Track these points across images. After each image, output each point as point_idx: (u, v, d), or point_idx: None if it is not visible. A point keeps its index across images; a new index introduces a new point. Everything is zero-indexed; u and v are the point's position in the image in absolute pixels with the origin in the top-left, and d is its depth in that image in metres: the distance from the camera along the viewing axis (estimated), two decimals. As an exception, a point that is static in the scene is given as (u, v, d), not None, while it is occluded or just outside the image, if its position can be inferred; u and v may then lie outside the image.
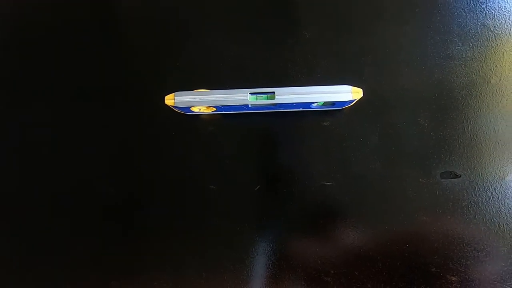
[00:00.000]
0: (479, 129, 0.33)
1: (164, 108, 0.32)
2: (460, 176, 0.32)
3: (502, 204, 0.32)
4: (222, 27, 0.37)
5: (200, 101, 0.31)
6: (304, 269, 0.32)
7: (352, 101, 0.31)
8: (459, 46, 0.34)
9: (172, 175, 0.35)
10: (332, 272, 0.32)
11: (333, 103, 0.32)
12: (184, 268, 0.33)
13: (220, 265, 0.33)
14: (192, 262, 0.33)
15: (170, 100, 0.31)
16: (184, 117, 0.35)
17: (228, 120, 0.35)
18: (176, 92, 0.31)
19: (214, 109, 0.33)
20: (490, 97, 0.34)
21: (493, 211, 0.32)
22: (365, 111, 0.34)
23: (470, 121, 0.33)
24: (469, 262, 0.31)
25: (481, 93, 0.34)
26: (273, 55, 0.36)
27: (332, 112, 0.34)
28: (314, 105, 0.33)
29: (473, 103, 0.34)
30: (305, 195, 0.33)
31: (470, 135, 0.33)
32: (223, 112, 0.35)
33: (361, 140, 0.34)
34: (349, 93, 0.30)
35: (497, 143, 0.33)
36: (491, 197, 0.32)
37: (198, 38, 0.36)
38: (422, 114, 0.34)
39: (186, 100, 0.31)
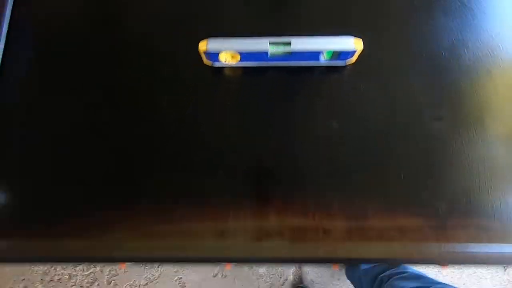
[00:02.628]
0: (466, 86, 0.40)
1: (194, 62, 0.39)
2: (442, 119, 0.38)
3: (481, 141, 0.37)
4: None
5: (229, 46, 0.37)
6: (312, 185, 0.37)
7: (353, 52, 0.38)
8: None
9: (197, 120, 0.40)
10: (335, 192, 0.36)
11: (338, 55, 0.38)
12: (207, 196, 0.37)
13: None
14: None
15: (203, 45, 0.37)
16: (211, 70, 0.41)
17: (249, 74, 0.41)
18: (209, 38, 0.37)
19: (238, 59, 0.39)
20: (473, 61, 0.40)
21: (470, 147, 0.37)
22: (365, 68, 0.40)
23: (456, 80, 0.40)
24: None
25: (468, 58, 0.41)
26: (287, 15, 0.43)
27: (337, 68, 0.41)
28: (323, 58, 0.39)
29: (458, 65, 0.40)
30: (314, 132, 0.38)
31: (456, 89, 0.40)
32: (245, 65, 0.41)
33: (362, 91, 0.40)
34: (351, 42, 0.36)
35: (475, 93, 0.39)
36: (472, 136, 0.38)
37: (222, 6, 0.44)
38: (414, 72, 0.40)
39: (217, 44, 0.37)
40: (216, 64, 0.41)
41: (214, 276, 1.17)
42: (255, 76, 0.41)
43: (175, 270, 1.18)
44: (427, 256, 0.36)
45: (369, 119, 0.39)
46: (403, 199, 0.36)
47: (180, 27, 0.43)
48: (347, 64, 0.40)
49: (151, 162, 0.38)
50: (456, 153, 0.37)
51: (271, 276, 1.17)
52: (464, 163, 0.37)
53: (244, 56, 0.39)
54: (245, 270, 1.17)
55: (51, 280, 1.18)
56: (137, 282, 1.17)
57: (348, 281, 1.14)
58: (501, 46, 0.41)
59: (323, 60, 0.39)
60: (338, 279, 1.15)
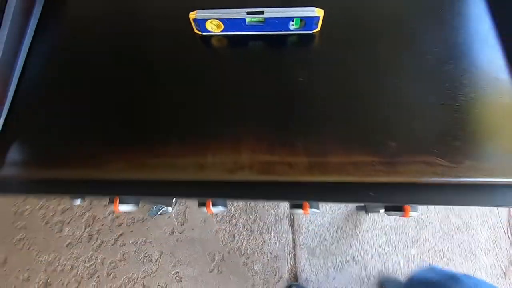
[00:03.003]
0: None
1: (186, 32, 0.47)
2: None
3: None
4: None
5: (214, 15, 0.45)
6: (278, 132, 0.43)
7: (317, 19, 0.45)
8: None
9: (187, 79, 0.47)
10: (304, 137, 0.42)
11: (305, 24, 0.46)
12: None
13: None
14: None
15: (193, 14, 0.46)
16: (200, 37, 0.49)
17: (231, 40, 0.49)
18: (198, 10, 0.46)
19: (222, 27, 0.47)
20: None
21: (415, 94, 0.43)
22: (329, 35, 0.48)
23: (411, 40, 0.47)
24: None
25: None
26: None
27: (305, 36, 0.48)
28: (292, 27, 0.47)
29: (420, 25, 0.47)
30: (285, 85, 0.45)
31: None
32: (228, 34, 0.49)
33: (326, 53, 0.47)
34: (314, 10, 0.44)
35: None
36: (419, 88, 0.43)
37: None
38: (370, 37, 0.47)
39: (204, 14, 0.45)
40: (204, 33, 0.49)
41: (210, 272, 1.19)
42: (236, 42, 0.49)
43: (172, 264, 1.21)
44: (379, 190, 0.41)
45: (331, 75, 0.45)
46: (358, 139, 0.42)
47: (177, 5, 0.52)
48: (313, 32, 0.48)
49: (146, 112, 0.46)
50: (405, 98, 0.43)
51: (266, 273, 1.18)
52: (411, 107, 0.43)
53: (227, 25, 0.47)
54: (240, 266, 1.18)
55: (53, 271, 1.22)
56: (135, 275, 1.20)
57: (343, 281, 1.14)
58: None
59: (293, 28, 0.47)
60: (334, 278, 1.15)
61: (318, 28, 0.47)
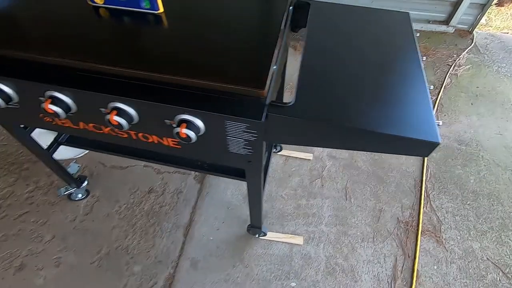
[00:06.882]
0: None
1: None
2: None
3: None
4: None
5: (96, -11, 0.72)
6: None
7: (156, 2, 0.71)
8: None
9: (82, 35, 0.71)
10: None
11: (152, 5, 0.71)
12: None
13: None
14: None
15: (85, -12, 0.73)
16: (91, 6, 0.75)
17: (110, 12, 0.75)
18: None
19: (104, 1, 0.74)
20: None
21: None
22: (171, 14, 0.73)
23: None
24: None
25: None
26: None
27: (153, 15, 0.73)
28: (144, 6, 0.72)
29: None
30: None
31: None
32: (107, 6, 0.74)
33: (167, 29, 0.71)
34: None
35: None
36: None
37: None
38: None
39: (91, -12, 0.73)
40: (93, 4, 0.75)
41: (91, 264, 1.18)
42: (112, 13, 0.74)
43: (59, 249, 1.21)
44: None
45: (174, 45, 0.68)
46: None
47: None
48: (158, 12, 0.73)
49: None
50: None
51: (143, 276, 1.15)
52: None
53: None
54: (121, 264, 1.17)
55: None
56: (18, 252, 1.20)
57: None
58: None
59: (144, 7, 0.73)
60: None
61: (161, 9, 0.73)
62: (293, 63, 0.66)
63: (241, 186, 1.40)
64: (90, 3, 0.75)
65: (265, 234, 1.23)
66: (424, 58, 0.78)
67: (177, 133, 0.60)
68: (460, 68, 2.08)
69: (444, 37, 2.32)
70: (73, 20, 0.72)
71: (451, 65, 2.09)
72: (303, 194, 1.40)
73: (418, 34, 0.78)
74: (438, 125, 0.56)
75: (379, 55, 0.73)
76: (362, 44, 0.76)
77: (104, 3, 0.74)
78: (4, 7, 0.74)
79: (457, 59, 2.14)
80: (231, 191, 1.39)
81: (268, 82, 0.56)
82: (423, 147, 0.54)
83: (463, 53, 2.19)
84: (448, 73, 2.03)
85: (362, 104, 0.59)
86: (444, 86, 1.94)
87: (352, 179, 1.46)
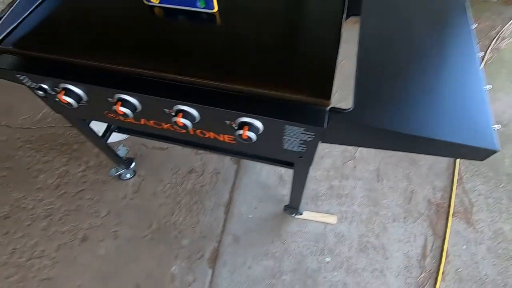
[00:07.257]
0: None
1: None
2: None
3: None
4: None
5: (152, -10, 0.74)
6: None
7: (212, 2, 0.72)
8: None
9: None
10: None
11: (206, 4, 0.73)
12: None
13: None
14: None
15: (141, -12, 0.75)
16: (147, 6, 0.78)
17: (165, 11, 0.77)
18: (146, -14, 0.75)
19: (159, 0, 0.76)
20: None
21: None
22: (225, 13, 0.74)
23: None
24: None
25: None
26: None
27: (207, 14, 0.75)
28: (199, 5, 0.74)
29: None
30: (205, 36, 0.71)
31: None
32: (162, 6, 0.76)
33: (223, 24, 0.73)
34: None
35: None
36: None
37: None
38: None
39: (147, -12, 0.74)
40: (149, 3, 0.77)
41: (144, 237, 1.32)
42: (167, 11, 0.76)
43: (115, 223, 1.35)
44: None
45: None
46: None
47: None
48: (212, 11, 0.74)
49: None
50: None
51: (191, 249, 1.28)
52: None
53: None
54: (171, 238, 1.30)
55: (17, 207, 1.41)
56: (80, 225, 1.35)
57: (257, 272, 1.22)
58: None
59: (200, 6, 0.74)
60: (249, 267, 1.23)
61: (216, 8, 0.74)
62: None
63: (275, 168, 1.46)
64: (146, 2, 0.77)
65: (301, 214, 1.31)
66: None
67: (240, 135, 0.65)
68: (504, 41, 1.96)
69: (488, 5, 2.15)
70: (134, 24, 0.75)
71: (494, 37, 1.96)
72: (335, 175, 1.45)
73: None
74: (496, 129, 0.58)
75: (435, 45, 0.71)
76: (419, 31, 0.74)
77: (159, 3, 0.76)
78: (63, 12, 0.78)
79: (501, 30, 2.00)
80: (266, 172, 1.47)
81: (333, 92, 0.59)
82: (480, 153, 0.57)
83: (508, 24, 2.04)
84: (490, 47, 1.92)
85: (420, 107, 0.61)
86: (485, 61, 1.85)
87: (384, 161, 1.49)
